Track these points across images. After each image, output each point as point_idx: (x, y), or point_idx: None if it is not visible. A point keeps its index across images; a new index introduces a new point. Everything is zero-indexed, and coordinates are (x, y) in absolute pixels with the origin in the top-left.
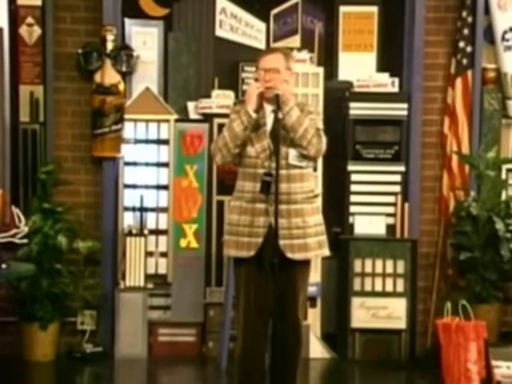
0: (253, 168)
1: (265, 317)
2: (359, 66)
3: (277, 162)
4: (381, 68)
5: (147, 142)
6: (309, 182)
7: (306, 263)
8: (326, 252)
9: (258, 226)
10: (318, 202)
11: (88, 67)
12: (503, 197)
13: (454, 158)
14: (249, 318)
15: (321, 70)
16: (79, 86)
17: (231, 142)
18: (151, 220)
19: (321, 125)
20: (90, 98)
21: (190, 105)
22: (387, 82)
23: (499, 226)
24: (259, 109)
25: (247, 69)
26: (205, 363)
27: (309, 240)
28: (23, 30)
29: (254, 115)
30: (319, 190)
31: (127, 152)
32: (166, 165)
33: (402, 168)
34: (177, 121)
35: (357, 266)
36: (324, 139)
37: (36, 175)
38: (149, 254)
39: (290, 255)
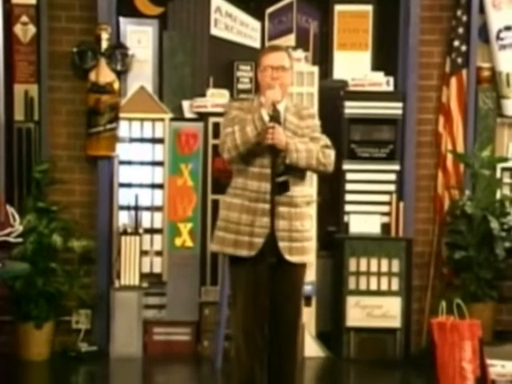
0: (258, 167)
1: (262, 317)
2: (354, 65)
3: (273, 161)
4: (376, 67)
5: (142, 140)
6: (307, 187)
7: (303, 266)
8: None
9: (260, 227)
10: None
11: (83, 66)
12: (498, 196)
13: (449, 156)
14: (246, 318)
15: (316, 69)
16: (74, 85)
17: (242, 146)
18: (146, 219)
19: (320, 133)
20: (85, 96)
21: (185, 104)
22: (382, 81)
23: (494, 224)
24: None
25: (242, 67)
26: (200, 362)
27: (305, 244)
28: (18, 29)
29: (267, 120)
30: (315, 197)
31: (122, 151)
32: (161, 164)
33: (396, 167)
34: (172, 120)
35: (352, 264)
36: (331, 151)
37: (31, 174)
38: (144, 252)
39: (288, 257)
